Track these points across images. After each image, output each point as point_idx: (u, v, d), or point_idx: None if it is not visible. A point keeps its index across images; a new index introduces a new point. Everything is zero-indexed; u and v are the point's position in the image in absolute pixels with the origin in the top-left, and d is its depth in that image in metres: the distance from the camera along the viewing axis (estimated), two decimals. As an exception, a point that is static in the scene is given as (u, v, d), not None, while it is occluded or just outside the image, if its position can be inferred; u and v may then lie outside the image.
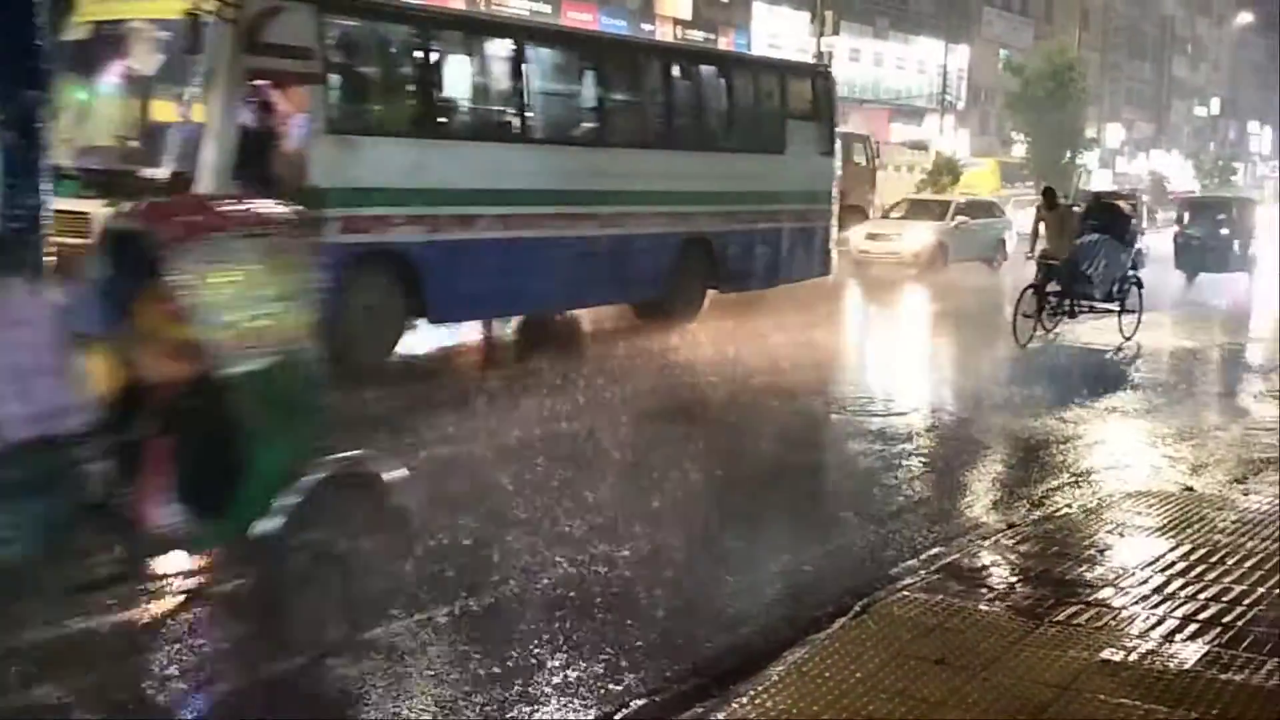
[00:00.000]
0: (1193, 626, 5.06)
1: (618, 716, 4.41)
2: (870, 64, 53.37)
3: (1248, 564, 5.91)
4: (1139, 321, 14.79)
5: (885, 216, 25.40)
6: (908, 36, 55.39)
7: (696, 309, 15.07)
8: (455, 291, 11.70)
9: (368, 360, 10.73)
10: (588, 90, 14.14)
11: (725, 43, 45.08)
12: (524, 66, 13.00)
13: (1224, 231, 23.24)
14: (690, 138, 15.22)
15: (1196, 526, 6.57)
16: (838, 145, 18.15)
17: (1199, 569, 5.82)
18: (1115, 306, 14.65)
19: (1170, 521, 6.68)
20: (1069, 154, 44.87)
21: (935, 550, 6.27)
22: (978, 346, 14.19)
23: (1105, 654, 4.74)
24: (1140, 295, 14.95)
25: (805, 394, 10.92)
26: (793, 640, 4.91)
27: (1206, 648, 4.83)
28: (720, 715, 4.21)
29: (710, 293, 15.54)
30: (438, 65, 12.30)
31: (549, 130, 13.50)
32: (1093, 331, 15.01)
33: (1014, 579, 5.71)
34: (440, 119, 12.24)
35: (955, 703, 4.28)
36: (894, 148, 41.55)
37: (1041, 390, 11.39)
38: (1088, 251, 14.31)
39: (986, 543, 6.37)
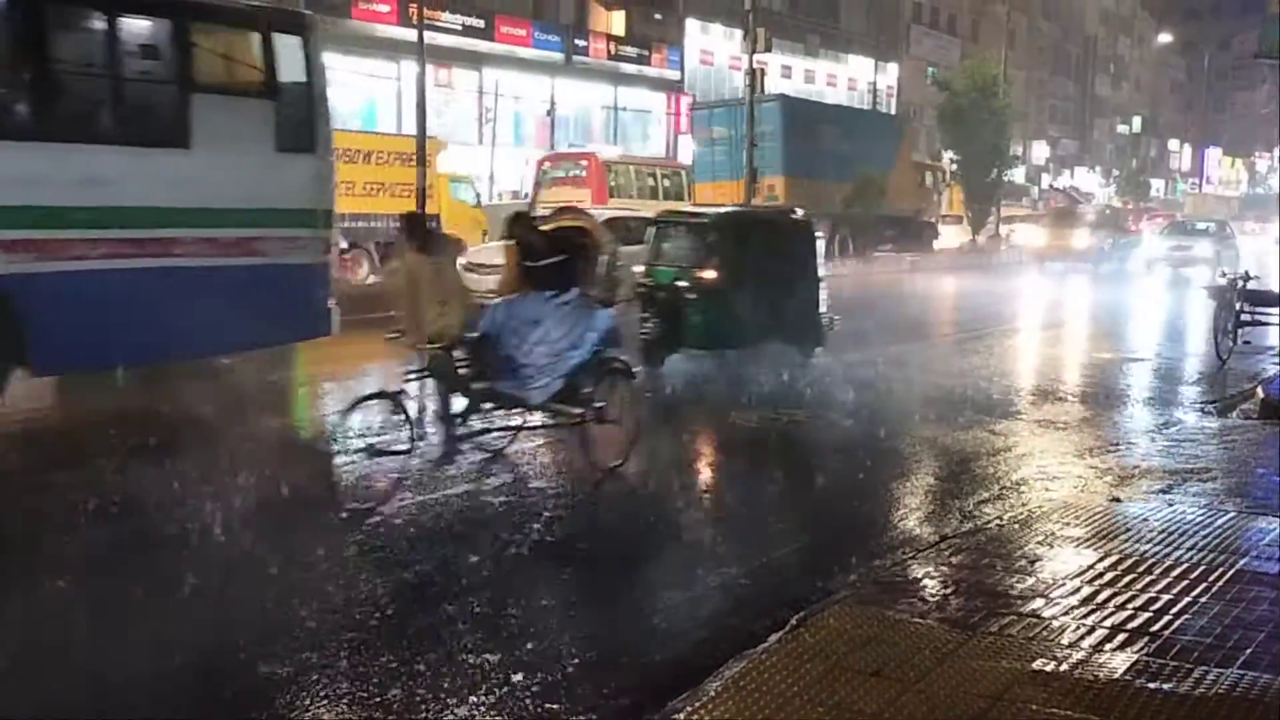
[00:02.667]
0: (1122, 636, 5.14)
1: (554, 735, 4.31)
2: (801, 81, 53.96)
3: (1174, 573, 6.02)
4: (632, 439, 8.50)
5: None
6: (839, 54, 56.14)
7: None
8: None
9: None
10: None
11: (658, 59, 45.41)
12: None
13: (709, 275, 12.90)
14: None
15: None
16: (328, 138, 11.53)
17: (1127, 579, 5.93)
18: (576, 413, 8.14)
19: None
20: (995, 170, 45.62)
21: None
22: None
23: (1037, 664, 4.80)
24: (626, 391, 8.59)
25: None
26: (729, 654, 4.91)
27: (1135, 657, 4.91)
28: (658, 731, 4.19)
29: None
30: None
31: None
32: (545, 461, 8.81)
33: (947, 590, 5.76)
34: None
35: (891, 714, 4.31)
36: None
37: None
38: (503, 320, 8.13)
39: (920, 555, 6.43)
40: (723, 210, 17.32)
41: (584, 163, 30.71)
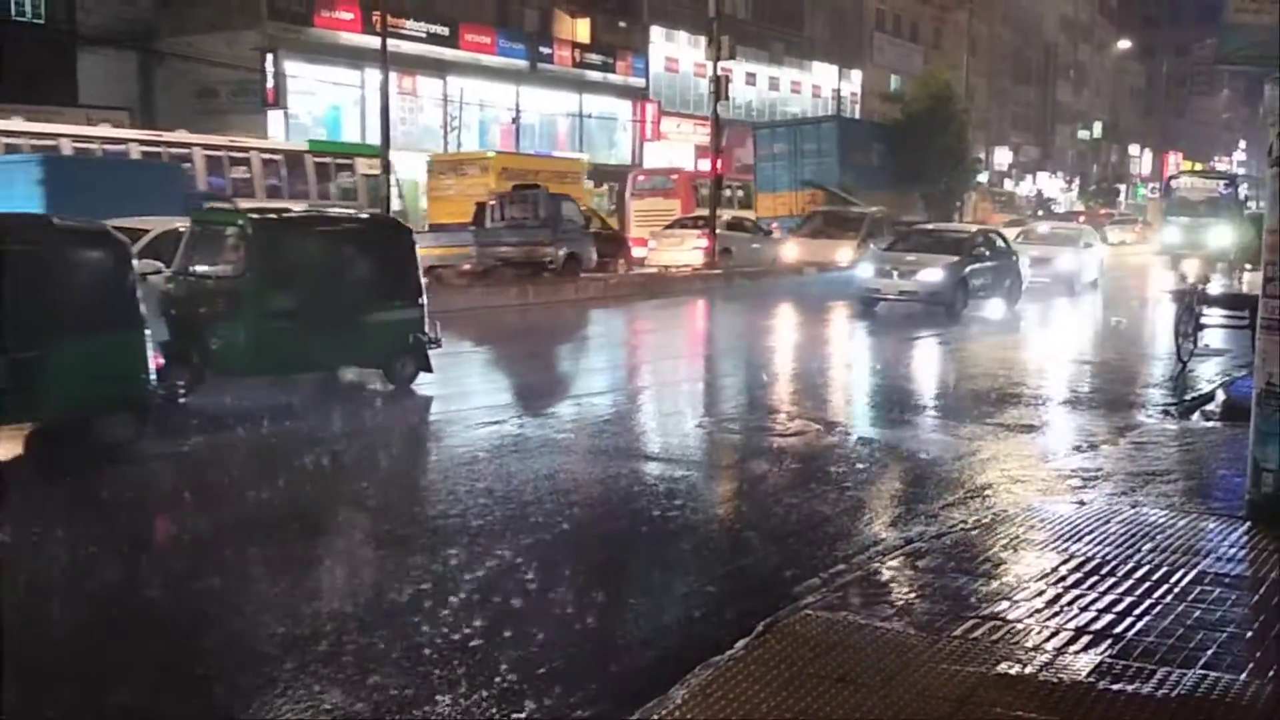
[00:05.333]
0: (1085, 638, 5.17)
1: (520, 745, 4.27)
2: (766, 88, 54.19)
3: (1137, 575, 6.06)
4: None
5: None
6: (802, 61, 56.37)
7: None
8: None
9: None
10: None
11: (623, 66, 45.50)
12: None
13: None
14: None
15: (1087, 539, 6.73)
16: None
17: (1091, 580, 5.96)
18: None
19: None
20: (952, 175, 45.79)
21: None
22: None
23: (1001, 667, 4.82)
24: None
25: None
26: (696, 662, 4.90)
27: (1099, 659, 4.93)
28: (624, 740, 4.18)
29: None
30: None
31: None
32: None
33: (912, 595, 5.77)
34: None
35: (857, 720, 4.31)
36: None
37: None
38: None
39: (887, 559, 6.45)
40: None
41: (674, 177, 36.76)
